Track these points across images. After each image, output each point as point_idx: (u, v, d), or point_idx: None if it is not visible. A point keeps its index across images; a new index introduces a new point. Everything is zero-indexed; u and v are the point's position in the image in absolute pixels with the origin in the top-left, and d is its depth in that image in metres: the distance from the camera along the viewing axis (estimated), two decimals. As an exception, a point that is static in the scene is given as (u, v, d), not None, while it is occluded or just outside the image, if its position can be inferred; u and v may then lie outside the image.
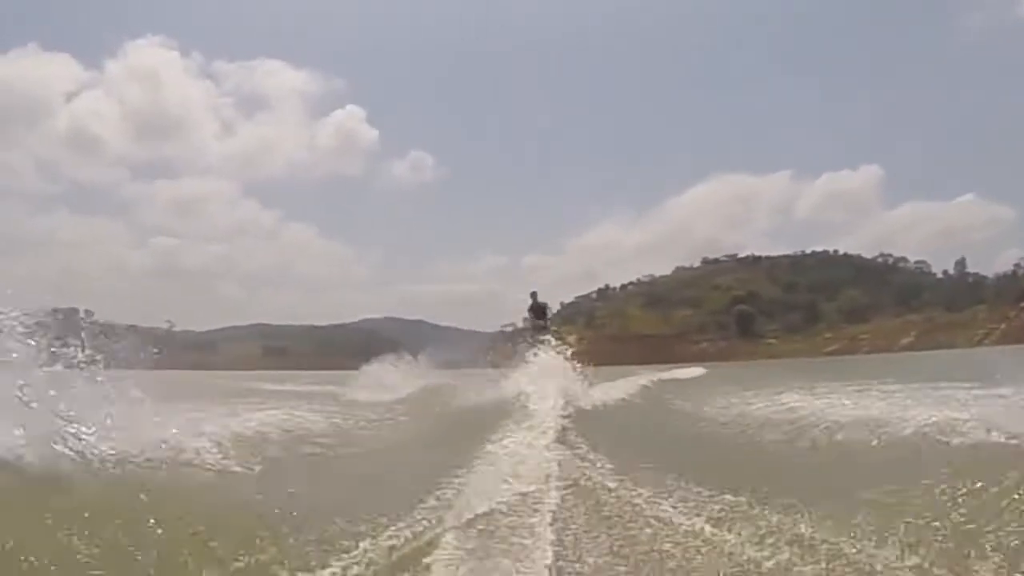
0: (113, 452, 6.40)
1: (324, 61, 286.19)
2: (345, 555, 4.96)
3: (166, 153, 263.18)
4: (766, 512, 5.79)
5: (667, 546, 5.21)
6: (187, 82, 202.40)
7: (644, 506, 6.24)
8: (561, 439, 9.60)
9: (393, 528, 5.57)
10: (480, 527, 5.67)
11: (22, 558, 4.20)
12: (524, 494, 6.61)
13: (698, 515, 5.88)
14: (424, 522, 5.78)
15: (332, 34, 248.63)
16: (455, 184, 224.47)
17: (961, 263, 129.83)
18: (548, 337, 22.16)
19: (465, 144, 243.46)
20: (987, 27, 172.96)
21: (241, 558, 4.71)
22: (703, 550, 5.12)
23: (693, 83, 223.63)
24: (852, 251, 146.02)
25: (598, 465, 8.02)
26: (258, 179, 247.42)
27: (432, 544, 5.26)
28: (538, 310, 23.52)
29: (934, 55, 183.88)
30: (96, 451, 6.29)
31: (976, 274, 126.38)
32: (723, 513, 5.93)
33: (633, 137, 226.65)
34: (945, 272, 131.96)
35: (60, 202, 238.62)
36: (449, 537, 5.42)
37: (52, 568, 4.20)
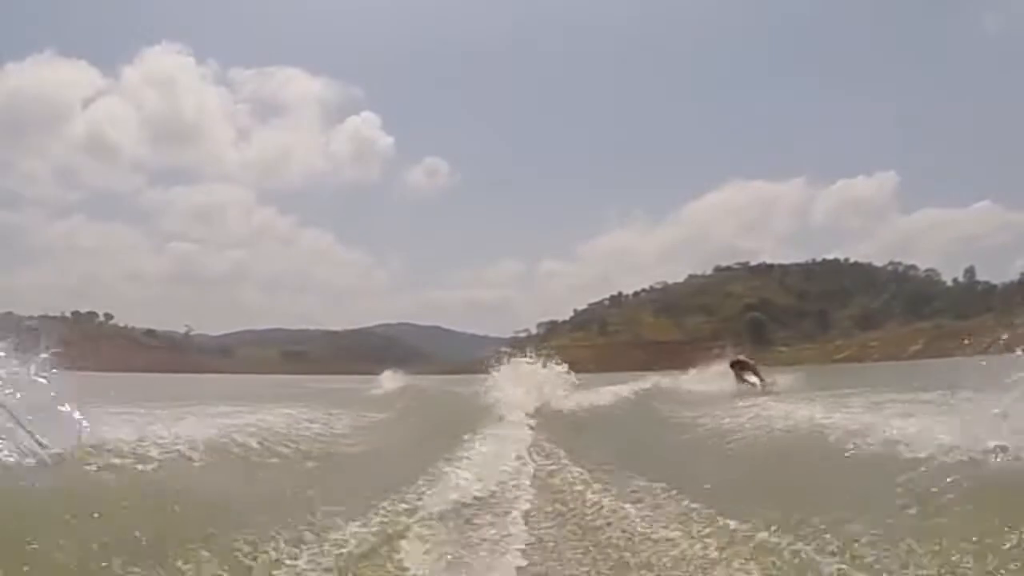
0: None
1: (341, 69, 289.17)
2: (321, 542, 5.30)
3: (183, 159, 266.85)
4: (705, 510, 6.18)
5: (624, 542, 5.64)
6: (203, 89, 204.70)
7: (608, 506, 6.69)
8: (534, 440, 10.50)
9: (366, 518, 5.99)
10: (451, 518, 6.19)
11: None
12: (494, 488, 7.30)
13: (654, 515, 6.31)
14: (395, 513, 6.25)
15: (349, 42, 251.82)
16: (470, 190, 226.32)
17: (970, 271, 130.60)
18: (756, 381, 24.60)
19: (479, 150, 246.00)
20: (1006, 31, 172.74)
21: (223, 547, 4.87)
22: (651, 546, 5.53)
23: (711, 88, 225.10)
24: (868, 257, 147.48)
25: (564, 463, 8.80)
26: (274, 185, 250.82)
27: (403, 534, 5.65)
28: (741, 366, 26.17)
29: (951, 60, 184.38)
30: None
31: (986, 282, 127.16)
32: (664, 508, 6.43)
33: (651, 142, 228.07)
34: (955, 280, 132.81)
35: (78, 208, 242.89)
36: (419, 528, 5.88)
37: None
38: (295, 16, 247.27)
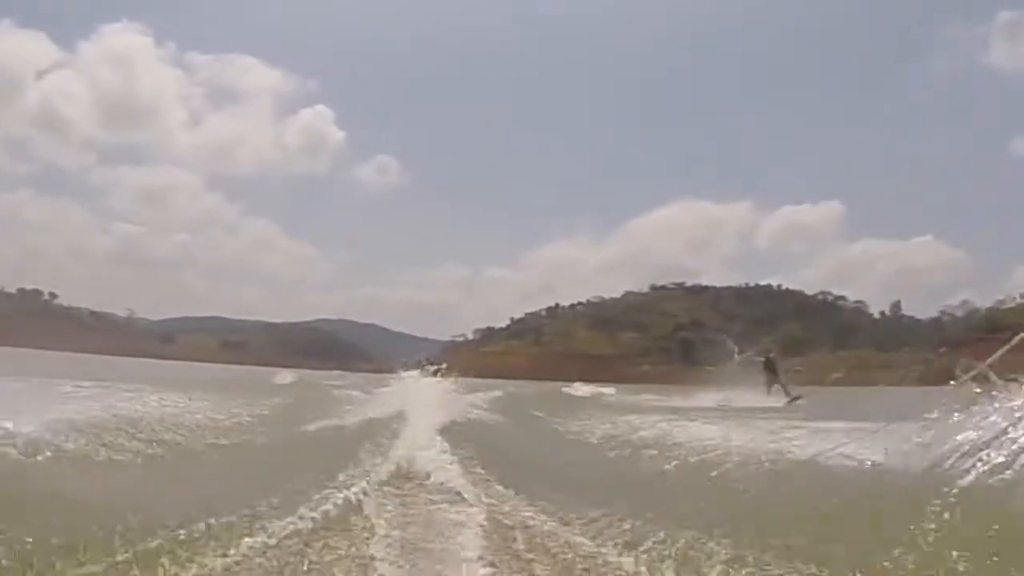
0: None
1: (299, 61, 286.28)
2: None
3: (134, 139, 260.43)
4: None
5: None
6: (160, 70, 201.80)
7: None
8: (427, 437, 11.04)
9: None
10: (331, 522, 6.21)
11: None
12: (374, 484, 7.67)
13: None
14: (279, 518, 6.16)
15: (308, 35, 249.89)
16: (419, 190, 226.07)
17: (896, 305, 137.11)
18: (777, 386, 26.55)
19: (431, 152, 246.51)
20: (956, 72, 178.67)
21: (153, 537, 4.96)
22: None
23: (662, 107, 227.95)
24: (809, 283, 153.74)
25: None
26: (224, 172, 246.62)
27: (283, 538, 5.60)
28: (771, 365, 28.08)
29: (900, 96, 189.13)
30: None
31: (911, 317, 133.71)
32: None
33: (601, 155, 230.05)
34: (882, 313, 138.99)
35: (25, 182, 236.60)
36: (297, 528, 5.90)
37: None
38: (257, 6, 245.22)
